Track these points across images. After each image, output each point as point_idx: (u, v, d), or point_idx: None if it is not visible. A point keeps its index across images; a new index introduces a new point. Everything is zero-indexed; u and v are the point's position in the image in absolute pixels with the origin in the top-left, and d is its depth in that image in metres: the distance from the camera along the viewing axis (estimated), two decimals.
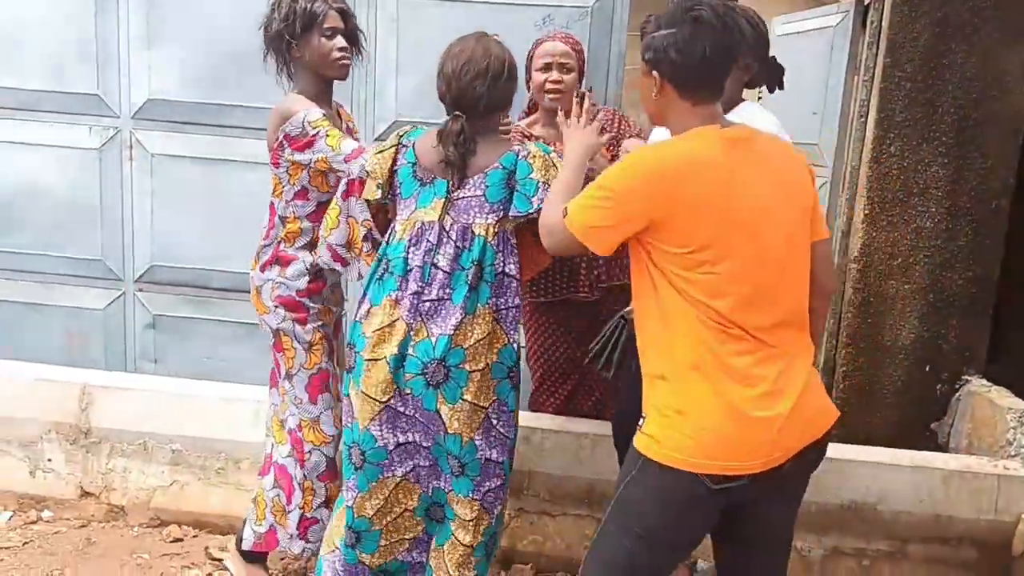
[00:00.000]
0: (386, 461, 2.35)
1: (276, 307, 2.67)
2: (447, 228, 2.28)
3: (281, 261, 2.67)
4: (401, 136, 2.41)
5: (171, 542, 3.13)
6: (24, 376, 3.31)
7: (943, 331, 3.51)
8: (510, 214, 2.29)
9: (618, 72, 3.64)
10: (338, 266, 2.57)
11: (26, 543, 3.08)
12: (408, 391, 2.28)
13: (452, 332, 2.24)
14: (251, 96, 3.62)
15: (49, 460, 3.25)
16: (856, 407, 3.57)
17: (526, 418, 3.12)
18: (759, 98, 4.35)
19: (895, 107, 3.41)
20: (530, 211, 2.25)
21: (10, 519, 3.21)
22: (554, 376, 3.17)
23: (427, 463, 2.37)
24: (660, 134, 2.47)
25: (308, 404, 2.70)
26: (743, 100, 2.43)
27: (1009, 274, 3.56)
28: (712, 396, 1.82)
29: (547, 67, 2.90)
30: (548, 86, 2.89)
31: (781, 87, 2.46)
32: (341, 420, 2.58)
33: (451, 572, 2.38)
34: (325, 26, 2.56)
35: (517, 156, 2.28)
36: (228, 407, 3.21)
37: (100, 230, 3.91)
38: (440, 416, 2.29)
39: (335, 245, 2.53)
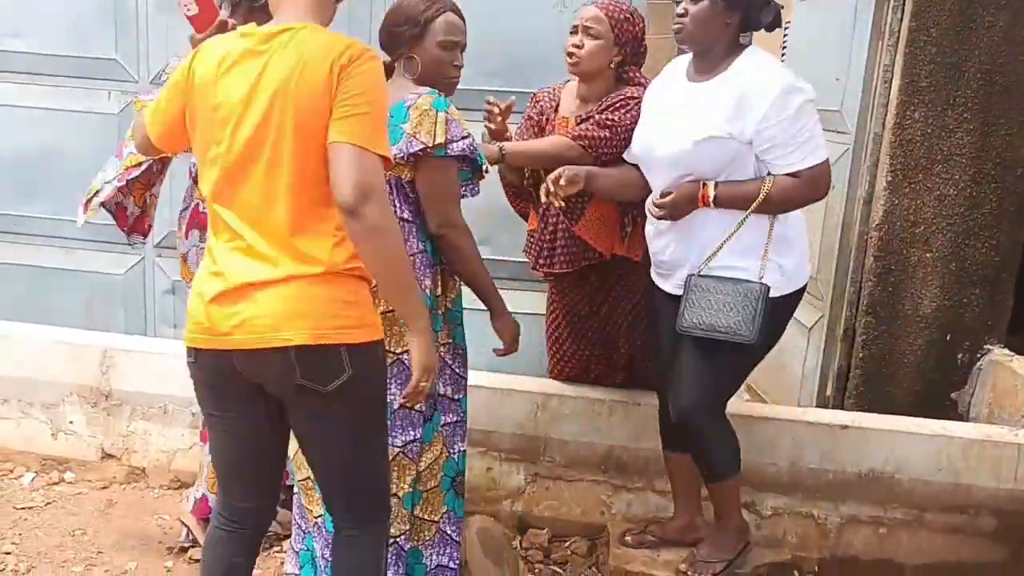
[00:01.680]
0: None
1: (189, 232, 2.57)
2: None
3: (201, 224, 2.55)
4: None
5: None
6: (46, 339, 3.34)
7: (965, 300, 3.47)
8: None
9: None
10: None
11: (49, 504, 3.13)
12: None
13: None
14: None
15: (71, 422, 3.29)
16: (876, 376, 3.54)
17: (542, 384, 3.14)
18: (783, 56, 4.29)
19: (920, 72, 3.34)
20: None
21: (33, 480, 3.26)
22: (561, 352, 3.10)
23: None
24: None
25: None
26: (746, 46, 2.43)
27: None
28: (198, 273, 1.96)
29: (574, 30, 2.74)
30: (568, 49, 2.73)
31: (779, 24, 2.42)
32: None
33: (420, 516, 2.44)
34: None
35: (406, 104, 2.25)
36: None
37: None
38: None
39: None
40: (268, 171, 1.82)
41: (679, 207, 2.44)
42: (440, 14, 2.34)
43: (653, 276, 2.70)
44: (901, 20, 3.38)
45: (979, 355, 3.49)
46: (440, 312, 2.39)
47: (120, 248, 3.97)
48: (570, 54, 2.73)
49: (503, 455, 3.11)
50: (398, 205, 2.29)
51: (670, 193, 2.44)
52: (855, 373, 3.56)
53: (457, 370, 2.47)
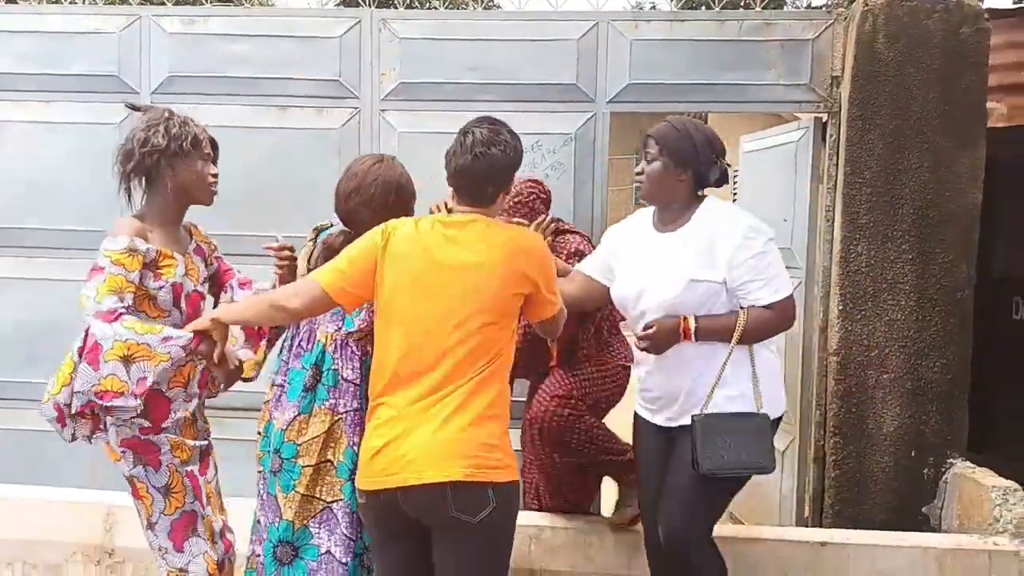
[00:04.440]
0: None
1: (123, 451, 2.43)
2: (301, 330, 2.59)
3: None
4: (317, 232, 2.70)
5: None
6: (51, 500, 3.43)
7: (924, 417, 3.70)
8: (342, 328, 2.54)
9: (602, 191, 3.95)
10: (58, 427, 2.43)
11: None
12: (261, 468, 2.59)
13: (284, 428, 2.51)
14: (264, 225, 3.84)
15: None
16: (849, 495, 3.72)
17: (536, 517, 3.26)
18: (734, 199, 4.65)
19: (858, 211, 3.70)
20: (351, 329, 2.52)
21: None
22: None
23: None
24: None
25: (174, 553, 2.48)
26: (704, 197, 2.69)
27: (998, 365, 3.76)
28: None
29: None
30: None
31: (726, 181, 2.71)
32: (216, 563, 2.52)
33: None
34: (205, 150, 2.53)
35: None
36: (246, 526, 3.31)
37: None
38: (277, 502, 2.52)
39: (62, 404, 2.40)
40: (441, 343, 2.21)
41: (662, 339, 2.58)
42: None
43: (639, 411, 2.83)
44: (837, 166, 3.78)
45: (943, 469, 3.69)
46: None
47: None
48: None
49: None
50: (342, 365, 2.52)
51: (652, 326, 2.59)
52: (829, 493, 3.74)
53: (346, 531, 2.50)
